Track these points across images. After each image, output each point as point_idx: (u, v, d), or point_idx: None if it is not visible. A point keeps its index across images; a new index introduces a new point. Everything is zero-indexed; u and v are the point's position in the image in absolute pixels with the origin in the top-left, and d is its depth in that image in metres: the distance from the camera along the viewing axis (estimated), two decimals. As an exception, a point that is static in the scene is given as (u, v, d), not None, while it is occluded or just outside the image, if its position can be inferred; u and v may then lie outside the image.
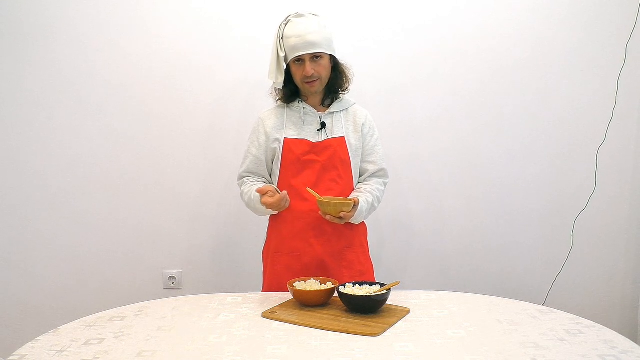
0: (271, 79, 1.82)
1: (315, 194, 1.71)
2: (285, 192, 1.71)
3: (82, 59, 2.43)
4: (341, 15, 2.44)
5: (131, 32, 2.43)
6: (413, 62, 2.50)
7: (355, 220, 1.79)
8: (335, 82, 1.86)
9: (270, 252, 1.91)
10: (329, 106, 1.88)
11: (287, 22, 1.78)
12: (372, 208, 1.84)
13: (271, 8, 2.43)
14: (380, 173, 1.91)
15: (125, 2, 2.41)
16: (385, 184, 1.93)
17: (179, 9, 2.43)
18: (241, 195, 1.89)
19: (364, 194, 1.81)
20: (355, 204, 1.72)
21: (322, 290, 1.53)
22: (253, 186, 1.83)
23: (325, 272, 1.82)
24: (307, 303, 1.54)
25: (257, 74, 2.43)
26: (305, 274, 1.79)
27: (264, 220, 1.98)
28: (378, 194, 1.86)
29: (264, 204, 1.72)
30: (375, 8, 2.46)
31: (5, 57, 2.40)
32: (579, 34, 2.48)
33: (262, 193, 1.72)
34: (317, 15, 1.81)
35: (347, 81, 1.89)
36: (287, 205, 1.74)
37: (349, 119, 1.88)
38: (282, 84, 1.82)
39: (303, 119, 1.85)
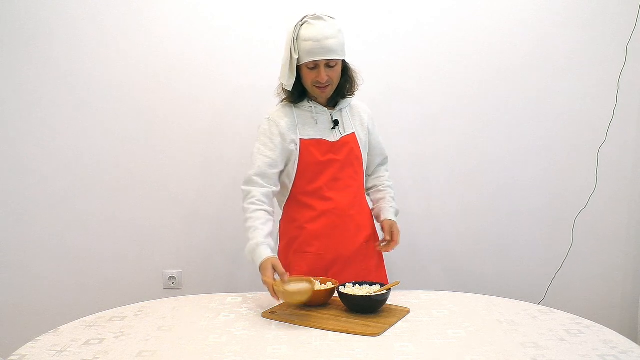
0: (283, 81, 1.78)
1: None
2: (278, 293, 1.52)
3: (82, 59, 2.43)
4: (341, 14, 2.43)
5: (132, 32, 2.42)
6: (415, 61, 2.49)
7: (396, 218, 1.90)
8: (343, 86, 1.84)
9: (290, 253, 1.87)
10: (334, 106, 1.86)
11: (304, 24, 1.72)
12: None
13: (277, 10, 2.42)
14: (384, 161, 2.04)
15: (127, 2, 2.41)
16: (387, 168, 2.07)
17: (182, 9, 2.42)
18: (243, 210, 1.78)
19: (387, 202, 1.94)
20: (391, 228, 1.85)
21: (322, 290, 1.53)
22: (257, 220, 1.70)
23: (348, 267, 1.81)
24: (307, 303, 1.54)
25: (259, 75, 2.43)
26: (328, 273, 1.80)
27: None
28: (390, 183, 2.01)
29: (265, 283, 1.55)
30: (376, 7, 2.46)
31: (5, 57, 2.40)
32: (579, 35, 2.48)
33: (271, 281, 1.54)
34: (334, 19, 1.76)
35: (355, 86, 1.88)
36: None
37: (355, 114, 1.91)
38: (292, 86, 1.77)
39: (316, 118, 1.82)
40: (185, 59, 2.45)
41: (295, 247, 1.87)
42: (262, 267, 1.58)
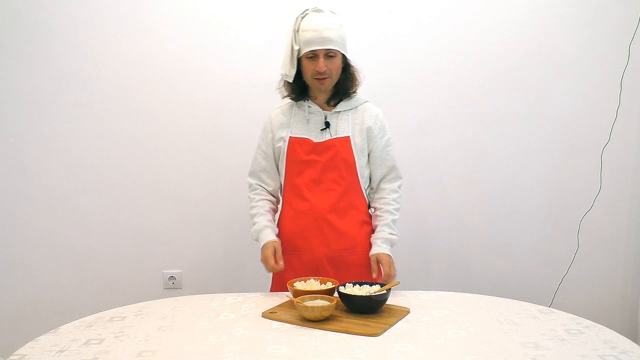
0: (284, 71, 1.79)
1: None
2: (279, 266, 1.73)
3: (82, 59, 2.43)
4: (345, 12, 2.42)
5: (132, 32, 2.42)
6: (417, 61, 2.49)
7: (393, 246, 1.82)
8: (344, 83, 1.83)
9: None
10: (335, 105, 1.85)
11: (305, 16, 1.76)
12: (395, 225, 1.85)
13: (277, 10, 2.42)
14: (391, 175, 1.89)
15: (127, 2, 2.41)
16: (399, 186, 1.90)
17: (182, 9, 2.42)
18: (249, 198, 1.90)
19: (376, 233, 1.81)
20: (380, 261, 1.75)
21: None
22: (261, 208, 1.85)
23: (323, 273, 1.80)
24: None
25: (260, 75, 2.43)
26: (306, 273, 1.77)
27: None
28: (395, 206, 1.86)
29: (264, 260, 1.76)
30: (376, 7, 2.46)
31: (5, 57, 2.40)
32: (582, 35, 2.48)
33: (270, 256, 1.74)
34: (335, 14, 1.79)
35: (356, 84, 1.86)
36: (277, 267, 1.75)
37: (357, 118, 1.85)
38: (292, 78, 1.79)
39: (308, 118, 1.83)
40: (185, 59, 2.45)
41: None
42: (264, 247, 1.77)
